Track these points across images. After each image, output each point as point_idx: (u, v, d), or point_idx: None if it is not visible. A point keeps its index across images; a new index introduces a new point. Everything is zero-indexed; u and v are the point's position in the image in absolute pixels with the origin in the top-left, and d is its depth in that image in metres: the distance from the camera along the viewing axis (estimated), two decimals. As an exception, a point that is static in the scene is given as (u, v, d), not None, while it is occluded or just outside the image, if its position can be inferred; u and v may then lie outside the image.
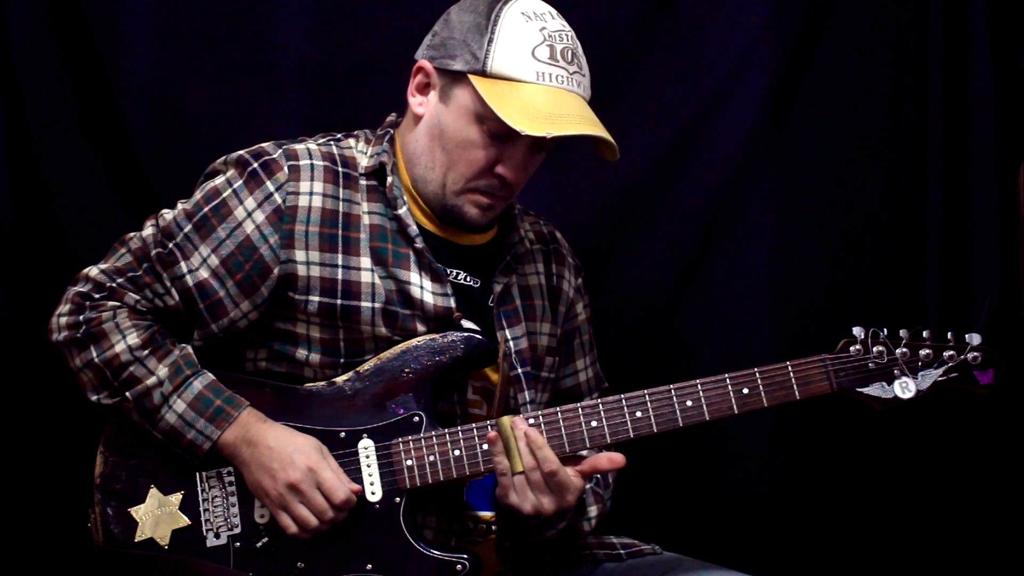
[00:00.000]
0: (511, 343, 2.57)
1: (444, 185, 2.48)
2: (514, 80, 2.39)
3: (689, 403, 2.42)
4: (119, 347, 2.40)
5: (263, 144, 2.50)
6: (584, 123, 2.40)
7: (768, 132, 3.34)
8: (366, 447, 2.42)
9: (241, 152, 2.49)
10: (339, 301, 2.43)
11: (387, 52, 3.14)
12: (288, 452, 2.36)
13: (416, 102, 2.51)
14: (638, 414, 2.42)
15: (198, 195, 2.49)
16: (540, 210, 2.86)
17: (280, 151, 2.47)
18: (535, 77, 2.40)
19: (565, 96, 2.42)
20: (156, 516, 2.42)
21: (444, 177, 2.48)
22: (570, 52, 2.44)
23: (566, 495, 2.38)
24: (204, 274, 2.43)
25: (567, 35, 2.46)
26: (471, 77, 2.41)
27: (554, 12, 2.49)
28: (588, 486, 2.63)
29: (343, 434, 2.43)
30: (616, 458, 2.40)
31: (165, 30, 3.16)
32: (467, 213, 2.50)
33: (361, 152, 2.54)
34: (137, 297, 2.44)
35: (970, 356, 2.46)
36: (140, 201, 3.09)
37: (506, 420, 2.38)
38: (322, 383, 2.46)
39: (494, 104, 2.37)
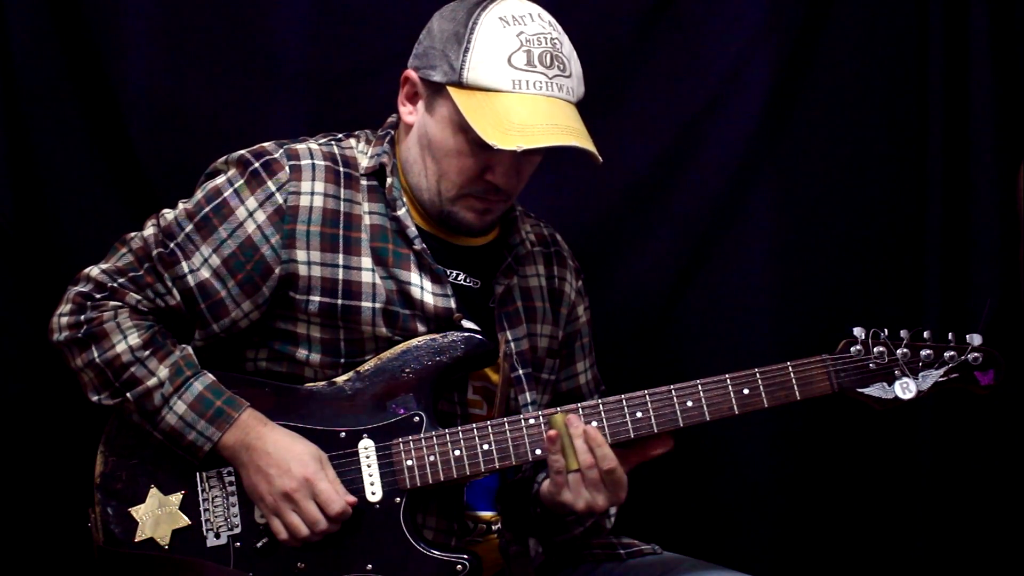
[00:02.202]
0: (512, 344, 2.56)
1: (439, 193, 2.48)
2: (490, 90, 2.37)
3: (690, 403, 2.42)
4: (120, 347, 2.40)
5: (264, 144, 2.49)
6: (559, 133, 2.36)
7: (768, 132, 3.34)
8: (366, 447, 2.42)
9: (242, 152, 2.48)
10: (340, 301, 2.43)
11: (387, 53, 3.13)
12: (286, 460, 2.36)
13: (406, 111, 2.51)
14: (638, 414, 2.42)
15: (199, 194, 2.49)
16: (539, 210, 2.85)
17: (281, 151, 2.46)
18: (511, 86, 2.37)
19: (543, 104, 2.38)
20: (156, 516, 2.42)
21: (437, 185, 2.47)
22: (549, 56, 2.40)
23: (619, 492, 2.39)
24: (205, 274, 2.43)
25: (547, 37, 2.41)
26: (449, 89, 2.40)
27: (537, 12, 2.45)
28: None
29: (343, 434, 2.43)
30: (666, 442, 2.42)
31: (165, 30, 3.16)
32: (464, 218, 2.49)
33: (362, 152, 2.54)
34: (138, 297, 2.44)
35: (971, 357, 2.45)
36: (140, 201, 3.09)
37: (559, 417, 2.37)
38: (322, 383, 2.45)
39: (470, 117, 2.35)
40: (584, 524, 2.54)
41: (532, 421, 2.41)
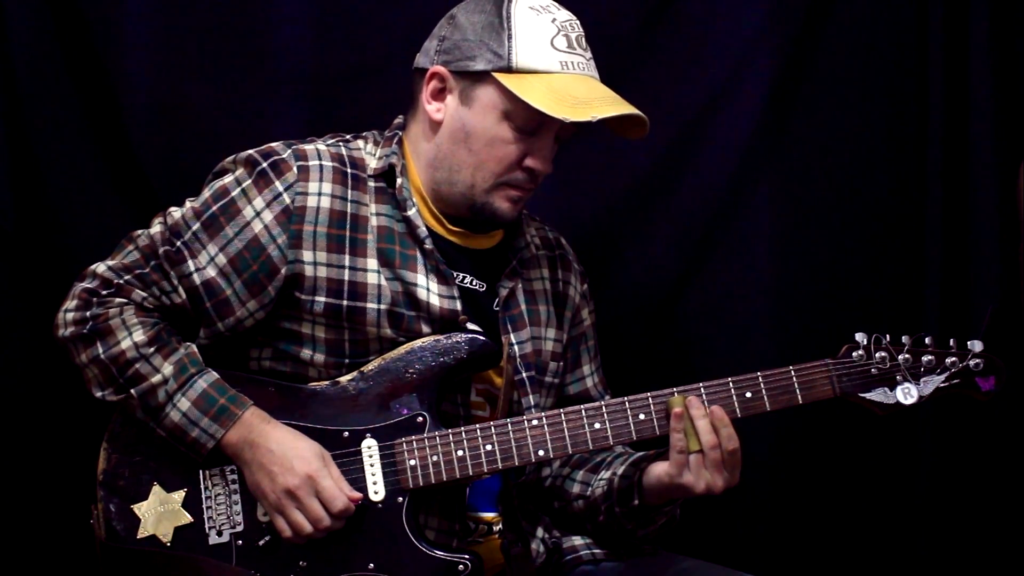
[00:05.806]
0: (515, 347, 2.57)
1: (473, 185, 2.49)
2: (541, 72, 2.42)
3: (693, 406, 2.43)
4: (125, 344, 2.40)
5: (273, 144, 2.50)
6: (619, 104, 2.44)
7: (768, 132, 3.34)
8: (369, 447, 2.42)
9: (251, 151, 2.48)
10: (345, 302, 2.43)
11: (388, 53, 3.15)
12: (289, 457, 2.36)
13: (433, 109, 2.51)
14: (641, 416, 2.43)
15: (207, 193, 2.49)
16: (540, 210, 2.86)
17: (289, 151, 2.47)
18: (560, 67, 2.43)
19: (590, 81, 2.46)
20: (159, 513, 2.42)
21: (473, 177, 2.48)
22: (582, 39, 2.49)
23: (736, 473, 2.42)
24: (211, 273, 2.43)
25: (576, 23, 2.50)
26: (496, 75, 2.42)
27: (556, 3, 2.52)
28: None
29: (346, 433, 2.43)
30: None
31: (165, 30, 3.15)
32: (499, 208, 2.50)
33: (370, 154, 2.54)
34: (144, 294, 2.44)
35: (972, 363, 2.46)
36: (140, 201, 3.09)
37: (680, 398, 2.39)
38: (326, 382, 2.46)
39: (528, 98, 2.39)
40: (668, 515, 2.54)
41: (535, 422, 2.42)
